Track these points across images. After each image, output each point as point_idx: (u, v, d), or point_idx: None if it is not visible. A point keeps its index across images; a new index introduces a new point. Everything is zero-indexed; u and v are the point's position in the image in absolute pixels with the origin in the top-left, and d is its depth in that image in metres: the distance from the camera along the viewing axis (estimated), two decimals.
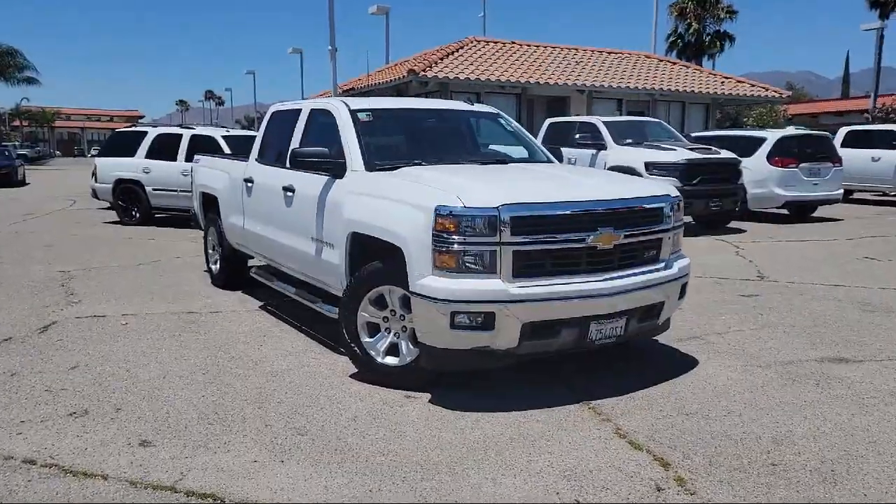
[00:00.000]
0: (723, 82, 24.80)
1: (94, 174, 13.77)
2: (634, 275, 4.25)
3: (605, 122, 13.36)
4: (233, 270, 7.36)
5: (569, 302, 3.97)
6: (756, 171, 12.87)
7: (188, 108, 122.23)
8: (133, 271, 8.38)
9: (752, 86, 25.13)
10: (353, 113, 5.26)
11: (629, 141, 12.89)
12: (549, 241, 3.95)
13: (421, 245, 3.95)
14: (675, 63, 27.12)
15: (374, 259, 4.44)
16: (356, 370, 4.60)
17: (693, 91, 23.83)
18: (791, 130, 14.02)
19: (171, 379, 4.57)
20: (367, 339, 4.49)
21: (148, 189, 12.92)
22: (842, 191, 13.84)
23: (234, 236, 6.96)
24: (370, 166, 4.85)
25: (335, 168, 4.94)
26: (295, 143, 5.68)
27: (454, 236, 3.84)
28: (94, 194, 13.86)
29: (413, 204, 4.09)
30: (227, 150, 12.03)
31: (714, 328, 5.78)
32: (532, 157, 5.81)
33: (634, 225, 4.25)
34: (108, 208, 14.48)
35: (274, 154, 6.19)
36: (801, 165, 13.14)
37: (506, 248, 3.87)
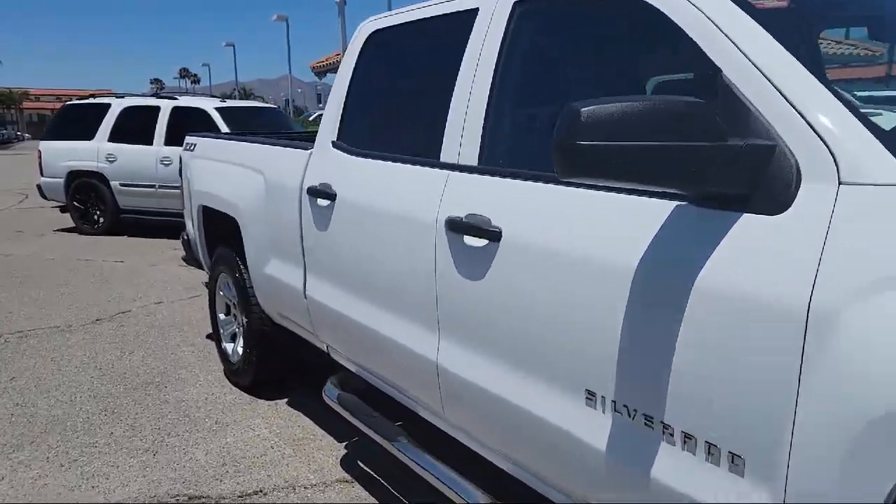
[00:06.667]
0: None
1: (39, 165, 9.99)
2: None
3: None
4: (271, 362, 3.74)
5: None
6: None
7: (163, 87, 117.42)
8: (81, 342, 4.72)
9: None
10: None
11: None
12: None
13: None
14: None
15: None
16: None
17: None
18: None
19: None
20: None
21: (114, 185, 9.23)
22: None
23: (276, 302, 3.33)
24: None
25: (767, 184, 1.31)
26: (477, 104, 2.07)
27: None
28: (42, 192, 10.09)
29: None
30: (224, 128, 8.38)
31: None
32: None
33: None
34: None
35: (393, 134, 2.59)
36: None
37: None
